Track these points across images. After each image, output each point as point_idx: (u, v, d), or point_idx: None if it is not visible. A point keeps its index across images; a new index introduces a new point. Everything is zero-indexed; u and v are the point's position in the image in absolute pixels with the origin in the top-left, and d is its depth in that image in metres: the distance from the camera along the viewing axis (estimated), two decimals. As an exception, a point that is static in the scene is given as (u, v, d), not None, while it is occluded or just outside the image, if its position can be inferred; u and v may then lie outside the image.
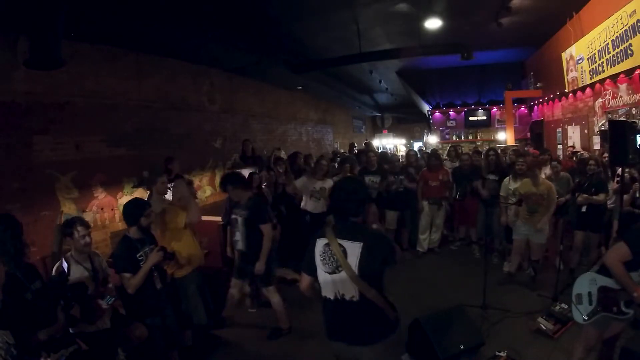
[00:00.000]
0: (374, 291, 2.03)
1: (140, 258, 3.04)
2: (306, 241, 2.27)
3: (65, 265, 2.87)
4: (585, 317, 2.60)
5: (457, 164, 6.61)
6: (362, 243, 2.04)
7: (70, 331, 2.69)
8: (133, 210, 3.09)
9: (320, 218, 5.36)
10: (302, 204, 5.46)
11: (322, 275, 2.14)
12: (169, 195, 4.02)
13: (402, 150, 15.18)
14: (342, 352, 2.17)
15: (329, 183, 5.29)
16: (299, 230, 5.38)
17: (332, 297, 2.12)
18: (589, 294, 2.61)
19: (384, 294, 2.09)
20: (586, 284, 2.65)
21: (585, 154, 6.40)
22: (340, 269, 2.04)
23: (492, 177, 5.43)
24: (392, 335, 2.11)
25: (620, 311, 2.43)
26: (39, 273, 2.64)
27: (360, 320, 2.08)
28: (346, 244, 2.06)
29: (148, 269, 2.98)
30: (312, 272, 2.20)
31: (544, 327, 3.63)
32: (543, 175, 5.07)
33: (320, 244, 2.15)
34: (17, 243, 2.42)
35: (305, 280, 2.25)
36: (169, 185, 4.11)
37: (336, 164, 6.98)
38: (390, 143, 17.51)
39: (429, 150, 9.86)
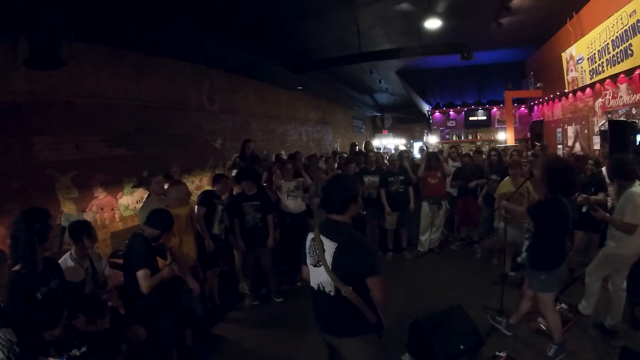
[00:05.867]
0: (349, 289, 2.08)
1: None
2: (291, 242, 2.33)
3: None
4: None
5: (458, 163, 6.62)
6: (336, 244, 2.12)
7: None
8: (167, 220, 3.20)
9: (300, 218, 5.36)
10: (281, 204, 5.41)
11: (309, 266, 2.29)
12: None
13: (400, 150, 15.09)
14: (325, 339, 2.32)
15: (299, 180, 5.52)
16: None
17: (315, 288, 2.25)
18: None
19: (366, 296, 2.10)
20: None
21: (578, 151, 6.43)
22: (320, 262, 2.17)
23: (494, 177, 5.46)
24: (371, 333, 2.16)
25: None
26: (59, 271, 2.66)
27: (336, 313, 2.18)
28: (325, 240, 2.18)
29: (160, 279, 2.99)
30: (306, 262, 2.36)
31: (544, 327, 3.62)
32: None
33: (309, 237, 2.31)
34: (39, 240, 2.38)
35: (304, 269, 2.41)
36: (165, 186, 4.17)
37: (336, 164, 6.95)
38: (391, 143, 17.48)
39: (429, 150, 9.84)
